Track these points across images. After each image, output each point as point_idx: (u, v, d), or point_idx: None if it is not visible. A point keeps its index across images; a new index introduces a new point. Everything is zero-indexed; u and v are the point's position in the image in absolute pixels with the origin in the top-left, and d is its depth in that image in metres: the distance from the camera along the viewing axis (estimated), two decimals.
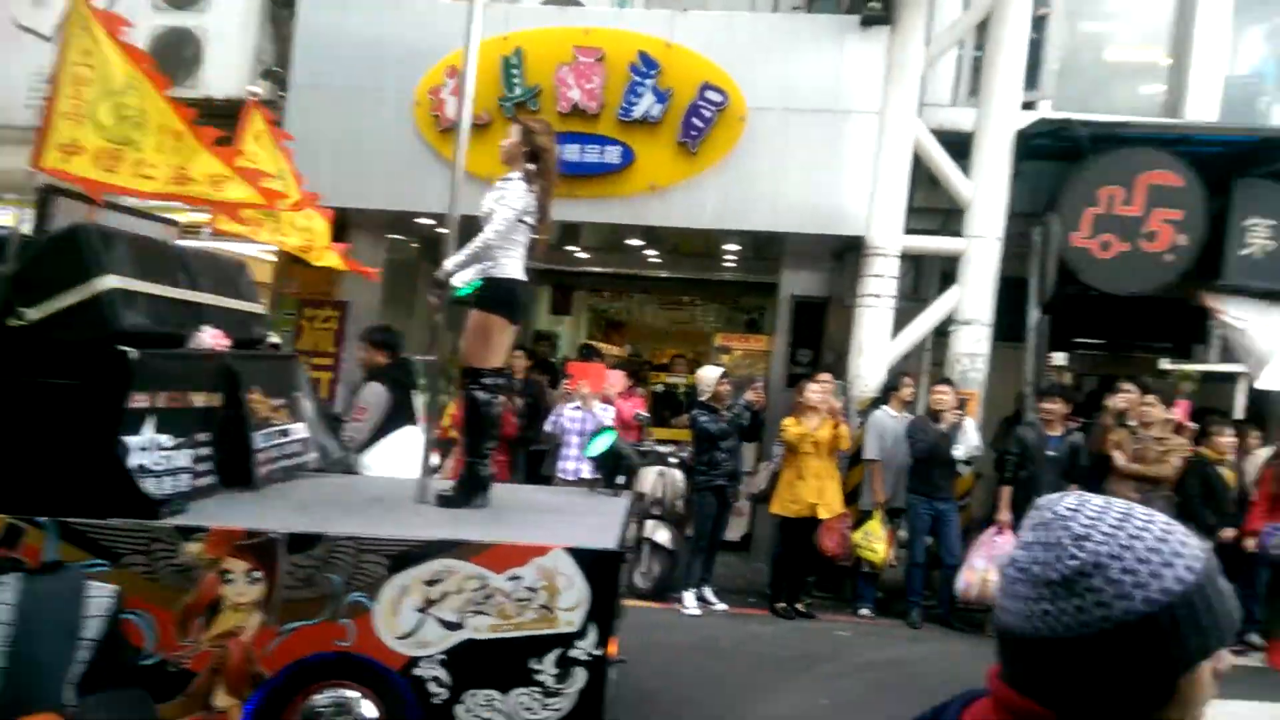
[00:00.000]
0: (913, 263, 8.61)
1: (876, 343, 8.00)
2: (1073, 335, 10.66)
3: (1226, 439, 7.12)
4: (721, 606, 7.04)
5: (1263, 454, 7.31)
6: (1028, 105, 8.27)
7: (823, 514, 6.86)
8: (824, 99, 7.88)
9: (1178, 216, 7.77)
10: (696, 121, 7.76)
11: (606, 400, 7.53)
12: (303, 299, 9.16)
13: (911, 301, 8.43)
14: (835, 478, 7.04)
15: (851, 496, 7.42)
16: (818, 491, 6.85)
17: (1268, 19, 9.51)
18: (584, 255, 10.88)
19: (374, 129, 7.91)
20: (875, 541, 7.02)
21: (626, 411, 7.65)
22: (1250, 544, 6.75)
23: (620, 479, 4.89)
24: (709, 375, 7.15)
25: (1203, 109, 8.72)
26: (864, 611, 7.18)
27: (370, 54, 7.84)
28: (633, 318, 15.16)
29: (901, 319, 8.08)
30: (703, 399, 7.09)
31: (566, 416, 7.14)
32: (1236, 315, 8.04)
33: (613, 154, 7.86)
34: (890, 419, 7.36)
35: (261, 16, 8.08)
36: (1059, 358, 11.78)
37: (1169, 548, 0.95)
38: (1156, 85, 9.16)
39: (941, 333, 8.23)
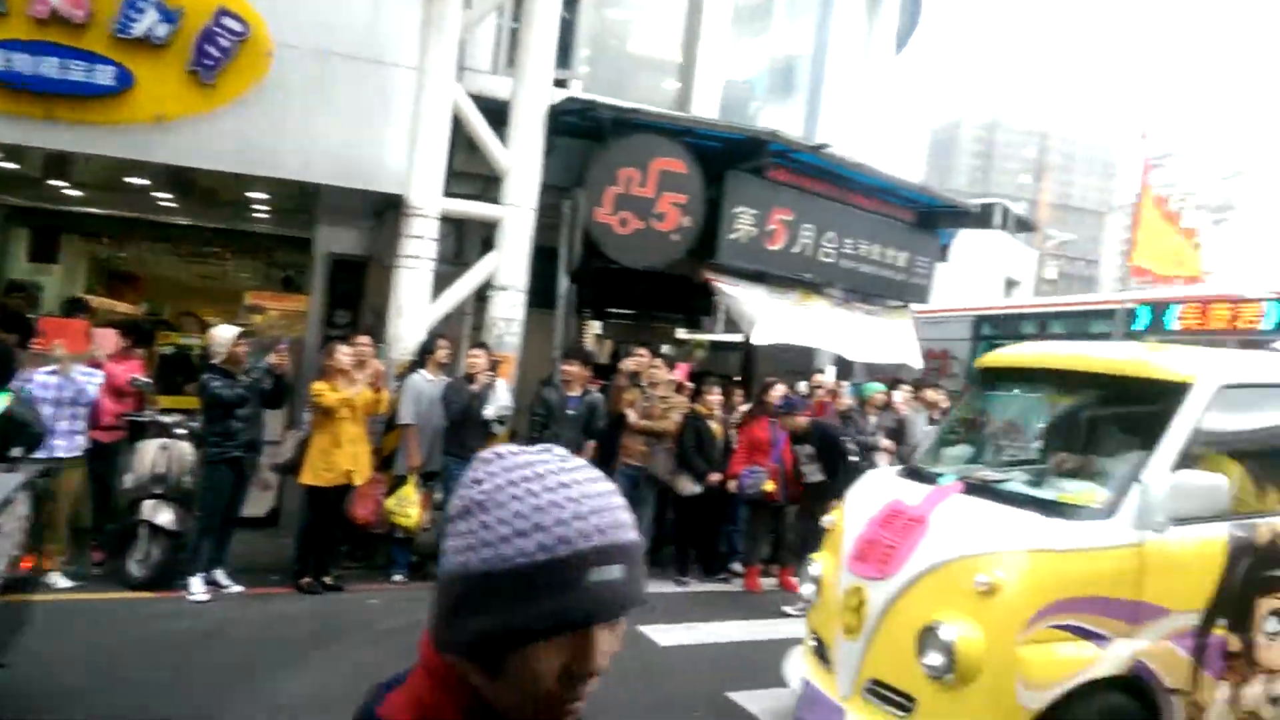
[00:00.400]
0: (455, 226, 8.60)
1: (416, 305, 7.86)
2: (607, 305, 11.57)
3: (714, 396, 8.16)
4: (237, 589, 6.45)
5: (743, 409, 8.51)
6: (562, 83, 8.66)
7: (358, 480, 6.60)
8: (360, 46, 7.50)
9: (682, 200, 8.66)
10: (212, 50, 6.91)
11: (95, 363, 6.46)
12: None
13: (454, 265, 8.43)
14: (369, 443, 6.80)
15: (386, 462, 7.23)
16: (353, 458, 6.57)
17: (760, 35, 11.05)
18: (76, 193, 9.24)
19: None
20: (409, 506, 6.93)
21: (120, 376, 6.63)
22: (731, 485, 7.81)
23: (17, 450, 4.15)
24: (222, 335, 6.44)
25: (706, 106, 9.84)
26: (397, 578, 7.07)
27: None
28: (148, 270, 13.31)
29: (444, 282, 8.05)
30: (215, 362, 6.38)
31: (38, 382, 5.97)
32: (730, 287, 9.27)
33: (105, 74, 6.71)
34: (426, 382, 7.29)
35: None
36: (595, 325, 12.74)
37: (533, 520, 0.87)
38: (672, 81, 10.15)
39: (483, 297, 8.35)
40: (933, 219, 10.88)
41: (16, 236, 10.21)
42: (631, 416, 7.53)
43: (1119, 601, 3.59)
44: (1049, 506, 3.84)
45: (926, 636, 3.60)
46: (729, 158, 9.05)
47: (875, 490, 4.57)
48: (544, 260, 8.35)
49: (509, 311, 8.20)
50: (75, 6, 6.52)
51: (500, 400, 7.24)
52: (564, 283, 8.42)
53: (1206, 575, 3.78)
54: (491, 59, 8.82)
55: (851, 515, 4.45)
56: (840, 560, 4.31)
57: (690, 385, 8.44)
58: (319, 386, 6.50)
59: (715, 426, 8.07)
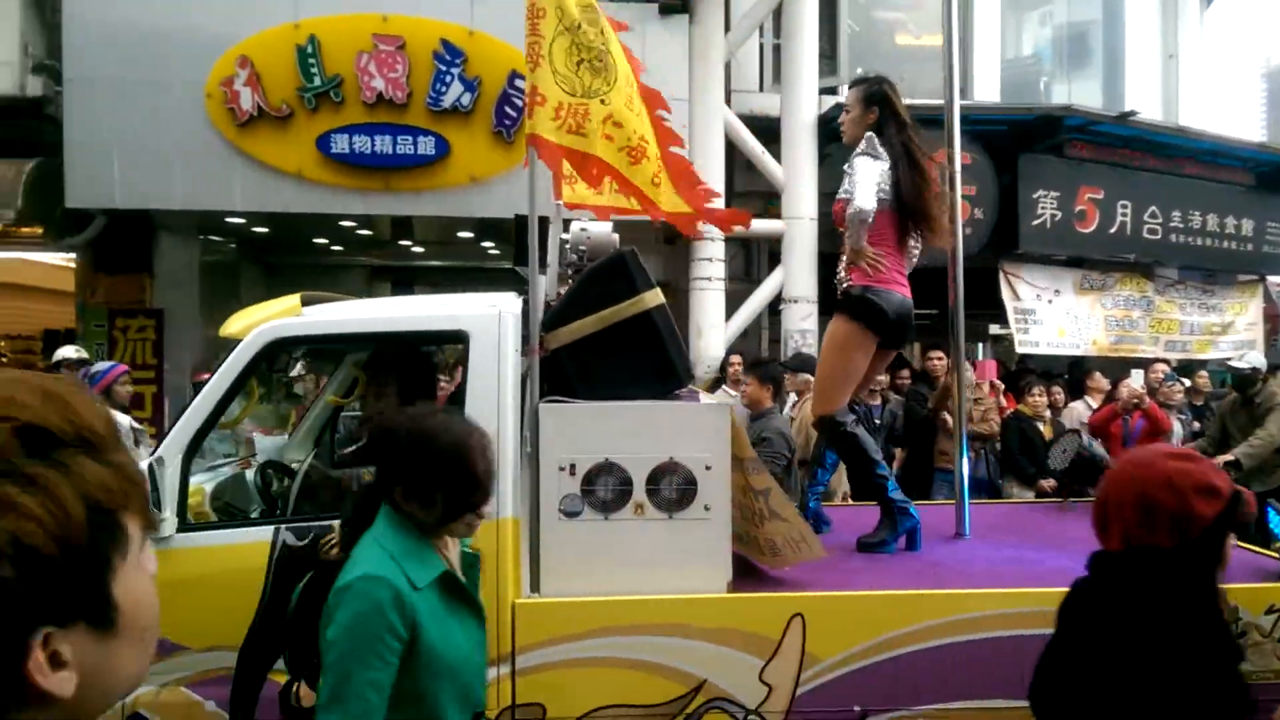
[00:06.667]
0: (741, 245, 8.10)
1: (712, 324, 7.48)
2: None
3: (1038, 397, 6.84)
4: None
5: (1078, 407, 7.07)
6: (829, 90, 7.85)
7: None
8: None
9: (971, 192, 7.47)
10: (510, 110, 6.92)
11: None
12: (113, 308, 7.80)
13: (745, 282, 7.97)
14: None
15: None
16: None
17: (1040, 5, 9.42)
18: (419, 249, 9.90)
19: (162, 124, 6.70)
20: None
21: None
22: None
23: None
24: None
25: (987, 89, 8.52)
26: None
27: (147, 43, 6.63)
28: None
29: (736, 300, 7.63)
30: None
31: None
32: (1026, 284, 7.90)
33: (427, 144, 6.93)
34: (729, 398, 6.78)
35: (24, 4, 6.67)
36: None
37: None
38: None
39: (776, 311, 7.79)
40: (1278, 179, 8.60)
41: (380, 291, 11.18)
42: (950, 420, 6.48)
43: None
44: None
45: None
46: (1020, 140, 7.75)
47: None
48: (835, 268, 7.56)
49: (802, 323, 7.55)
50: (396, 88, 6.80)
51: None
52: None
53: (238, 599, 2.43)
54: (758, 77, 8.20)
55: None
56: None
57: (1001, 384, 7.18)
58: None
59: (1043, 428, 6.75)
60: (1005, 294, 7.99)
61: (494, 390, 2.56)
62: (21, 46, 6.66)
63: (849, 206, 3.24)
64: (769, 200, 7.80)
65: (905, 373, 7.45)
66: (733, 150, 7.52)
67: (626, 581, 2.48)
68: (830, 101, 7.66)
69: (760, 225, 7.68)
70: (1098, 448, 4.97)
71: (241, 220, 7.49)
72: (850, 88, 3.56)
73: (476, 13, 6.86)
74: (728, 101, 7.51)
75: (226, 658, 2.46)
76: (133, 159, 6.65)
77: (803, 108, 7.42)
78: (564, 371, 2.68)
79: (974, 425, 6.48)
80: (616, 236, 3.27)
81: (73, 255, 7.90)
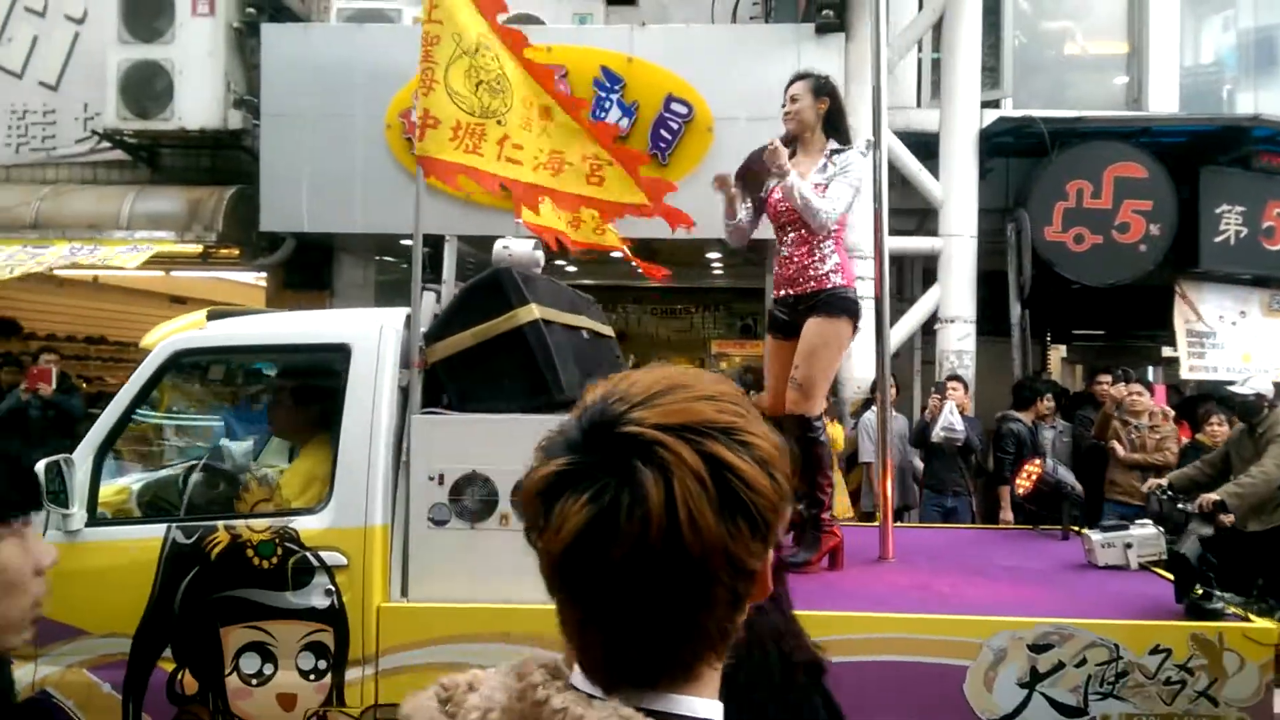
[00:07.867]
0: (894, 262, 7.82)
1: (863, 344, 7.21)
2: (1073, 326, 9.73)
3: (1217, 426, 6.28)
4: None
5: None
6: (991, 104, 7.50)
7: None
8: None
9: (1147, 207, 7.00)
10: (664, 133, 6.97)
11: None
12: None
13: (896, 301, 7.68)
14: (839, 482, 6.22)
15: (852, 499, 6.59)
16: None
17: (1223, 9, 8.70)
18: (572, 269, 10.07)
19: (348, 154, 7.12)
20: None
21: None
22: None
23: None
24: None
25: (1164, 99, 7.94)
26: None
27: (336, 79, 7.05)
28: (631, 328, 14.26)
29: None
30: None
31: None
32: (1205, 310, 7.31)
33: None
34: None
35: (228, 46, 7.24)
36: (1060, 349, 10.92)
37: None
38: (1119, 78, 8.37)
39: (930, 331, 7.45)
40: None
41: None
42: (1120, 450, 6.03)
43: None
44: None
45: None
46: (1201, 152, 7.18)
47: None
48: (993, 287, 7.20)
49: (959, 343, 7.20)
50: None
51: (945, 420, 6.22)
52: (1016, 309, 7.20)
53: (134, 590, 2.65)
54: (915, 93, 7.93)
55: None
56: None
57: (1171, 411, 6.64)
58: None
59: None
60: (1178, 315, 7.40)
61: (370, 400, 2.70)
62: (225, 84, 7.22)
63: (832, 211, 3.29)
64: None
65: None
66: (886, 167, 7.29)
67: (492, 590, 2.54)
68: (992, 115, 7.33)
69: (912, 243, 7.40)
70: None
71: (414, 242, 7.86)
72: (793, 81, 3.53)
73: (636, 40, 6.95)
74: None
75: (123, 644, 2.67)
76: (320, 186, 7.08)
77: (964, 123, 7.13)
78: (441, 385, 2.79)
79: (1149, 455, 6.03)
80: (540, 254, 3.31)
81: (263, 275, 8.49)
